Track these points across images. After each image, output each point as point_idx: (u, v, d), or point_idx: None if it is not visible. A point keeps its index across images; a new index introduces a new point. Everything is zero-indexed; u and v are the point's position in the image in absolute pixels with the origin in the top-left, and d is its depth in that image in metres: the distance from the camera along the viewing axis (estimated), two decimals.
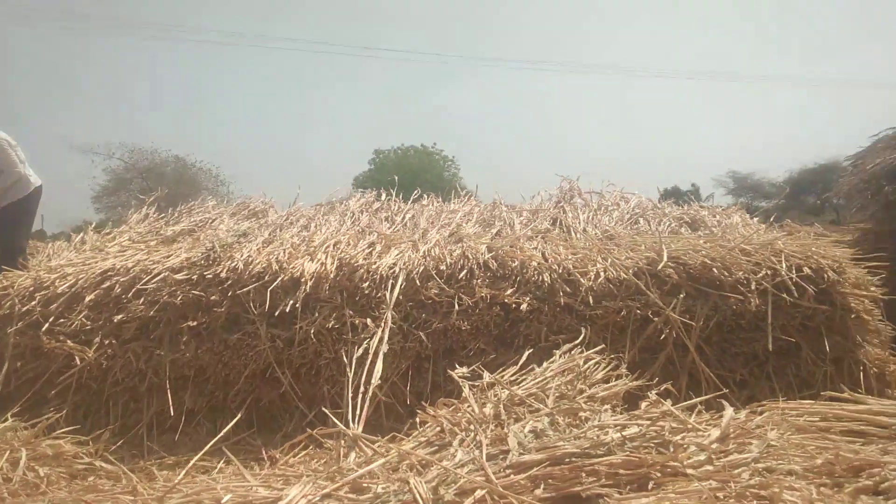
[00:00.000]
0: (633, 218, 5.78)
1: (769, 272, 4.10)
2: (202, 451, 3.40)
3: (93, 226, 6.16)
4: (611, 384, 3.17)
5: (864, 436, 2.83)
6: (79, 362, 3.93)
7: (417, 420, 2.88)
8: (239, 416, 3.82)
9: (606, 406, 2.88)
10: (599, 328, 4.07)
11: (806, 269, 4.13)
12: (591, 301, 4.09)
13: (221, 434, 3.55)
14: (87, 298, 4.18)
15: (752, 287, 4.02)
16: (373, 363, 3.56)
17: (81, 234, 6.01)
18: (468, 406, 2.79)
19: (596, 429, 2.50)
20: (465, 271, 4.31)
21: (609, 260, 4.38)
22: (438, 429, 2.65)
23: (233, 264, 4.32)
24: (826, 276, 4.15)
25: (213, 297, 4.15)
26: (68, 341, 4.00)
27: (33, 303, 4.20)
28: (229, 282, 4.23)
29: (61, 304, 4.17)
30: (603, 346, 3.79)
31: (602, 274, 4.23)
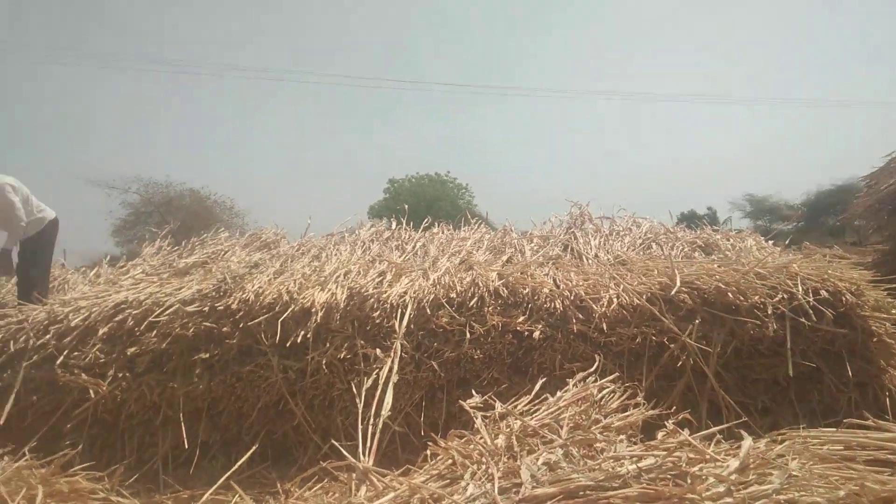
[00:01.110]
0: (646, 243, 5.74)
1: (785, 296, 4.04)
2: (216, 486, 3.39)
3: (107, 259, 6.21)
4: (627, 413, 3.12)
5: (891, 465, 2.75)
6: (93, 395, 3.93)
7: (429, 452, 2.84)
8: (253, 448, 3.80)
9: (622, 436, 2.83)
10: (614, 355, 4.03)
11: (823, 293, 4.07)
12: (604, 328, 4.05)
13: (235, 467, 3.55)
14: (101, 331, 4.19)
15: (769, 311, 3.96)
16: (382, 394, 3.53)
17: (96, 268, 6.07)
18: (480, 438, 2.75)
19: (611, 460, 2.45)
20: (475, 299, 4.29)
21: (622, 286, 4.34)
22: (450, 461, 2.61)
23: (244, 296, 4.33)
24: (844, 298, 4.08)
25: (224, 329, 4.15)
26: (83, 374, 4.01)
27: (47, 336, 4.22)
28: (241, 313, 4.23)
29: (75, 338, 4.19)
30: (618, 374, 3.74)
31: (615, 300, 4.19)
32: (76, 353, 4.13)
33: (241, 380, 4.07)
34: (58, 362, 4.06)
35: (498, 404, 3.14)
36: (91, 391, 3.95)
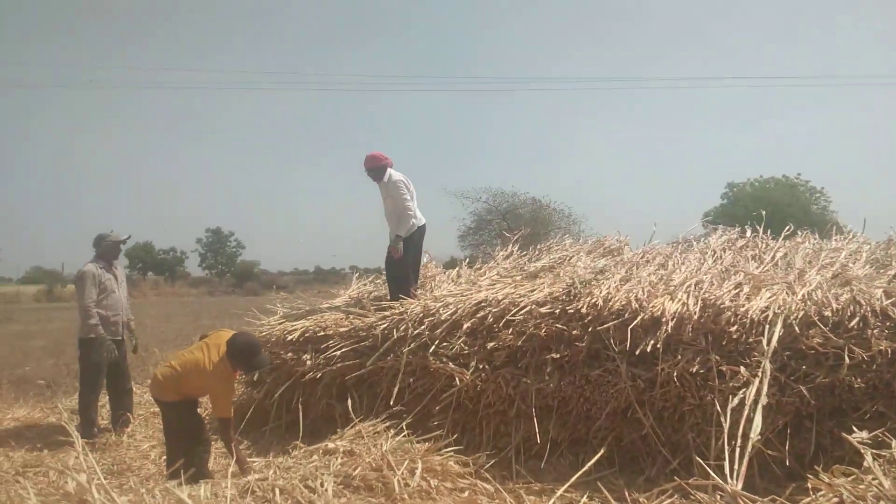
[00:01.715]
0: None
1: None
2: (568, 483, 3.52)
3: (466, 261, 6.89)
4: None
5: None
6: (458, 383, 4.38)
7: (809, 486, 2.54)
8: (601, 452, 3.84)
9: None
10: None
11: None
12: None
13: (585, 468, 3.63)
14: (465, 326, 4.65)
15: None
16: (750, 415, 3.26)
17: (457, 269, 6.77)
18: (874, 479, 2.38)
19: None
20: (856, 319, 3.73)
21: None
22: (836, 500, 2.31)
23: (592, 300, 4.40)
24: None
25: (574, 332, 4.28)
26: (450, 363, 4.49)
27: (422, 327, 4.81)
28: (589, 317, 4.31)
29: (444, 330, 4.71)
30: None
31: None
32: (444, 344, 4.64)
33: (589, 383, 4.15)
34: (430, 351, 4.61)
35: (895, 443, 2.68)
36: (457, 379, 4.40)
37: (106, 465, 4.64)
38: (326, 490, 3.41)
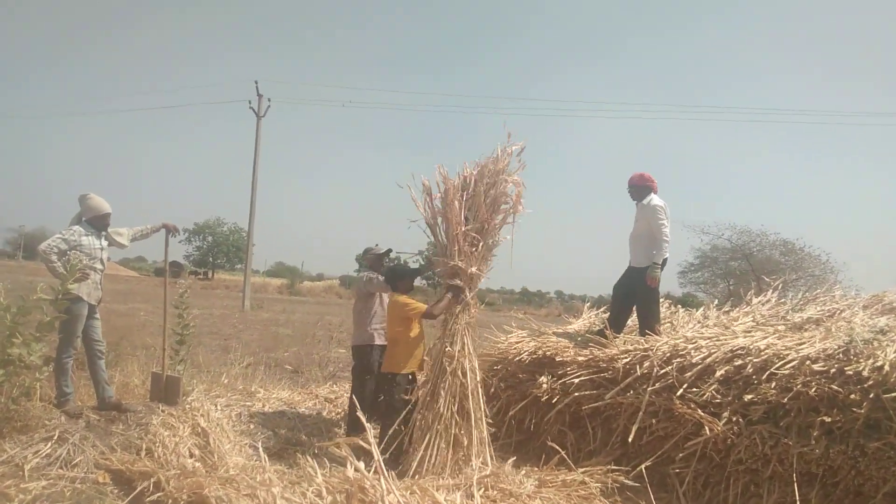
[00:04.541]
0: None
1: None
2: None
3: (715, 303, 6.49)
4: None
5: None
6: (707, 432, 4.13)
7: None
8: None
9: None
10: None
11: None
12: None
13: None
14: (718, 373, 4.37)
15: None
16: None
17: (703, 309, 6.40)
18: None
19: None
20: None
21: None
22: None
23: (876, 363, 3.91)
24: None
25: (851, 396, 3.82)
26: (699, 410, 4.25)
27: (669, 367, 4.61)
28: (871, 382, 3.83)
29: (694, 374, 4.47)
30: None
31: None
32: (694, 389, 4.40)
33: (865, 455, 3.70)
34: (677, 393, 4.40)
35: None
36: (706, 428, 4.15)
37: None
38: None
